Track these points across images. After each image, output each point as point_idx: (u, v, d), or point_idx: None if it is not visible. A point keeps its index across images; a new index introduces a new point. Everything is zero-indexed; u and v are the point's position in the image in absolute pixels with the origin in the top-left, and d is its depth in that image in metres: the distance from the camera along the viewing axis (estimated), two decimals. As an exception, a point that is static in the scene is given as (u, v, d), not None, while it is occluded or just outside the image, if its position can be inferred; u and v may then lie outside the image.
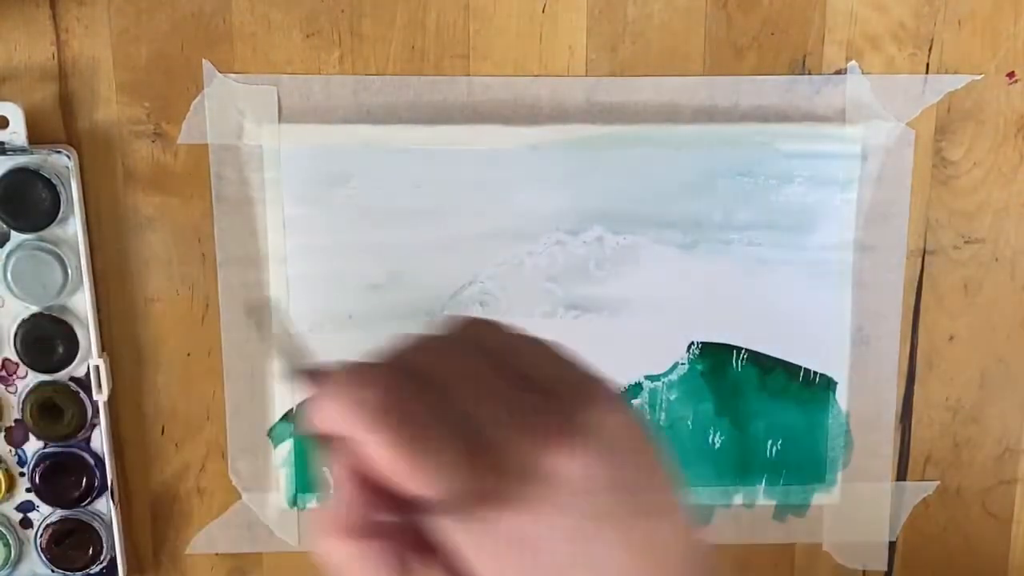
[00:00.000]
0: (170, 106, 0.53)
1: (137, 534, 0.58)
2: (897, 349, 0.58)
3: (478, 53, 0.53)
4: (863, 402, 0.58)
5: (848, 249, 0.56)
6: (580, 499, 0.29)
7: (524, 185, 0.55)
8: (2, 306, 0.53)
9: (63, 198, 0.52)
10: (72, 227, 0.53)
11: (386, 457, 0.28)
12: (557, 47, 0.53)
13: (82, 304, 0.53)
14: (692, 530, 0.31)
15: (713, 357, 0.57)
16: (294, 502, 0.58)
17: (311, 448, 0.50)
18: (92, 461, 0.55)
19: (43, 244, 0.52)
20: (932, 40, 0.54)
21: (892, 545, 0.60)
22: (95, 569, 0.56)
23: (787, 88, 0.54)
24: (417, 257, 0.55)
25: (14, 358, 0.54)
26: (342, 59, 0.53)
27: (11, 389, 0.55)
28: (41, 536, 0.56)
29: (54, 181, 0.52)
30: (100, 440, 0.55)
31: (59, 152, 0.52)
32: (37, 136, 0.52)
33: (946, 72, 0.55)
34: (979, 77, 0.55)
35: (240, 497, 0.58)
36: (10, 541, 0.56)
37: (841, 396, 0.58)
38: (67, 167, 0.52)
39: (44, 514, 0.56)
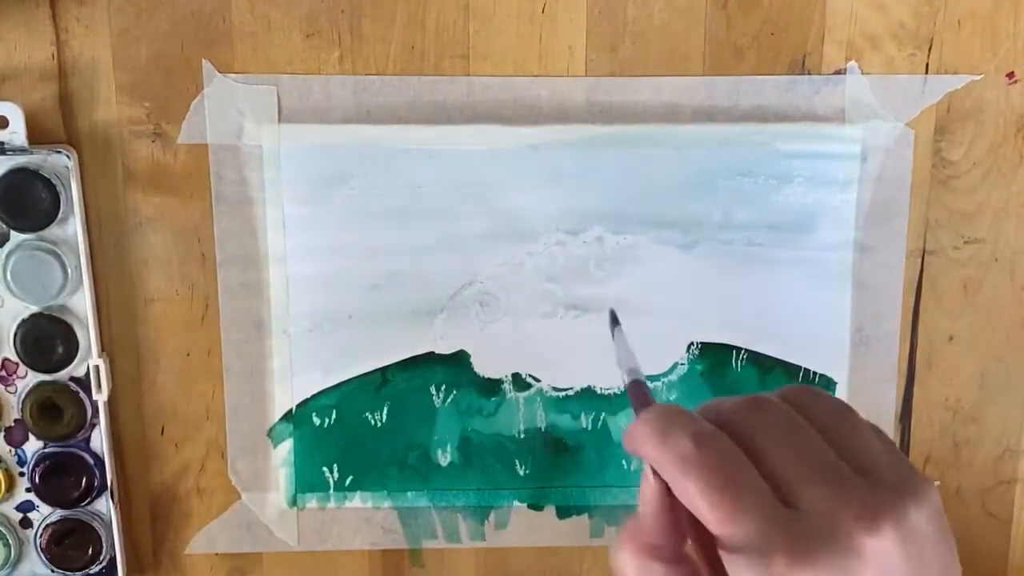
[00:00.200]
0: (170, 106, 0.53)
1: (137, 534, 0.58)
2: (897, 349, 0.58)
3: (478, 53, 0.53)
4: (863, 402, 0.58)
5: (848, 249, 0.56)
6: None
7: (524, 185, 0.55)
8: (2, 306, 0.53)
9: (63, 198, 0.52)
10: (72, 227, 0.53)
11: (691, 493, 0.31)
12: (557, 47, 0.54)
13: (82, 304, 0.53)
14: None
15: (713, 357, 0.57)
16: (294, 502, 0.58)
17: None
18: (92, 461, 0.55)
19: (43, 244, 0.52)
20: (932, 40, 0.54)
21: (892, 545, 0.60)
22: (95, 569, 0.56)
23: (787, 88, 0.54)
24: (417, 257, 0.55)
25: (14, 358, 0.54)
26: (342, 59, 0.53)
27: (11, 389, 0.55)
28: (41, 536, 0.56)
29: (54, 181, 0.52)
30: (100, 440, 0.55)
31: (59, 152, 0.52)
32: (37, 136, 0.52)
33: (946, 72, 0.55)
34: (979, 77, 0.55)
35: (240, 497, 0.58)
36: (10, 541, 0.56)
37: (841, 396, 0.58)
38: (67, 167, 0.52)
39: (44, 514, 0.56)
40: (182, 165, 0.54)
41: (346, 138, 0.54)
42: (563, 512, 0.59)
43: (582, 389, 0.57)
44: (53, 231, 0.53)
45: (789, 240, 0.56)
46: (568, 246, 0.55)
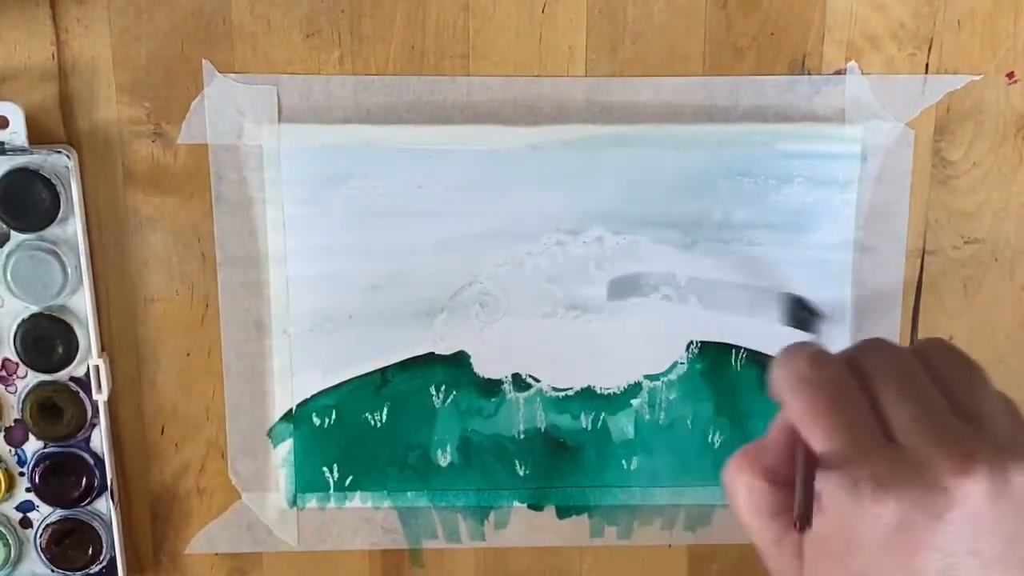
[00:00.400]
0: (170, 106, 0.53)
1: (137, 534, 0.58)
2: (897, 349, 0.58)
3: (478, 53, 0.53)
4: (863, 402, 0.58)
5: (848, 249, 0.56)
6: (971, 533, 0.29)
7: (524, 185, 0.55)
8: (2, 306, 0.53)
9: (63, 198, 0.52)
10: (72, 227, 0.53)
11: (799, 409, 0.33)
12: (557, 47, 0.54)
13: (82, 304, 0.53)
14: None
15: (712, 357, 0.57)
16: (294, 502, 0.58)
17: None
18: (92, 461, 0.55)
19: (43, 244, 0.52)
20: (932, 40, 0.54)
21: (892, 545, 0.60)
22: (95, 569, 0.56)
23: (787, 88, 0.54)
24: (417, 257, 0.55)
25: (14, 358, 0.54)
26: (342, 59, 0.53)
27: (11, 389, 0.55)
28: (41, 536, 0.56)
29: (54, 181, 0.52)
30: (100, 440, 0.55)
31: (59, 152, 0.52)
32: (37, 136, 0.52)
33: (946, 72, 0.55)
34: (978, 77, 0.55)
35: (240, 497, 0.58)
36: (10, 541, 0.56)
37: (841, 396, 0.58)
38: (67, 167, 0.52)
39: (44, 514, 0.56)
40: (182, 165, 0.54)
41: (346, 138, 0.54)
42: (563, 512, 0.59)
43: (582, 389, 0.57)
44: (53, 231, 0.53)
45: (789, 240, 0.56)
46: (568, 246, 0.55)
